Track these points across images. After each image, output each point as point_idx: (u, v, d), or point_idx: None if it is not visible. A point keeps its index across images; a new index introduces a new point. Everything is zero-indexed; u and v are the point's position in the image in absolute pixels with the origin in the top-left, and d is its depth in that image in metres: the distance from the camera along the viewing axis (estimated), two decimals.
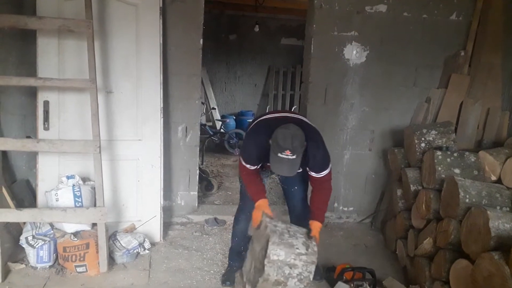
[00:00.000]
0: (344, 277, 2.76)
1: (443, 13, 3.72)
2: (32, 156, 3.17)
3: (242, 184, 2.75)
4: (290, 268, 2.24)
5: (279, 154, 2.16)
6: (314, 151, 2.37)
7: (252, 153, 2.47)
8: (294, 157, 2.16)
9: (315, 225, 2.42)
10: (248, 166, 2.50)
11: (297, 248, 2.26)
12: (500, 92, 3.63)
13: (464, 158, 2.88)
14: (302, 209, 2.83)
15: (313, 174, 2.48)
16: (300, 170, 2.49)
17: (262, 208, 2.45)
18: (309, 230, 2.40)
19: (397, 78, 3.80)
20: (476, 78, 3.63)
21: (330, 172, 2.50)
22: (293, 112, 2.76)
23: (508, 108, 3.61)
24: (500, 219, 2.20)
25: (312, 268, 2.28)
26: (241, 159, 2.53)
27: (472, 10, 3.71)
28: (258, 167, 2.53)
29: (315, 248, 2.30)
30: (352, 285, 2.69)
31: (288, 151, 2.14)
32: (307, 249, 2.27)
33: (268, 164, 2.38)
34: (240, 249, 2.89)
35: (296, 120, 2.45)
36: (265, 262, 2.21)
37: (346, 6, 3.62)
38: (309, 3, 3.83)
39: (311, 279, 2.30)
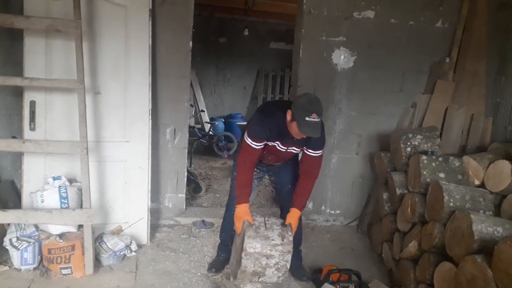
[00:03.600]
0: (331, 279, 2.78)
1: (429, 20, 3.79)
2: (18, 157, 3.12)
3: (233, 184, 2.84)
4: (267, 258, 2.41)
5: (307, 118, 2.29)
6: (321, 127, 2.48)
7: (261, 127, 2.55)
8: (319, 120, 2.33)
9: (295, 213, 2.67)
10: (254, 144, 2.54)
11: (273, 240, 2.44)
12: (484, 98, 3.70)
13: (449, 163, 2.93)
14: None
15: (310, 151, 2.64)
16: (299, 152, 2.71)
17: (243, 215, 2.58)
18: (284, 219, 2.63)
19: (384, 83, 3.85)
20: (460, 84, 3.70)
21: (322, 155, 2.70)
22: None
23: (491, 114, 3.69)
24: (483, 223, 2.24)
25: (289, 257, 2.46)
26: (248, 137, 2.56)
27: (457, 18, 3.78)
28: (263, 146, 2.58)
29: (290, 238, 2.50)
30: (338, 286, 2.73)
31: (315, 114, 2.30)
32: (282, 240, 2.46)
33: (270, 143, 2.60)
34: (228, 242, 3.00)
35: None
36: (242, 255, 2.34)
37: (335, 11, 3.66)
38: (298, 8, 3.86)
39: (288, 268, 2.48)
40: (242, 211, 2.59)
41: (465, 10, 3.74)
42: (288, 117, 2.42)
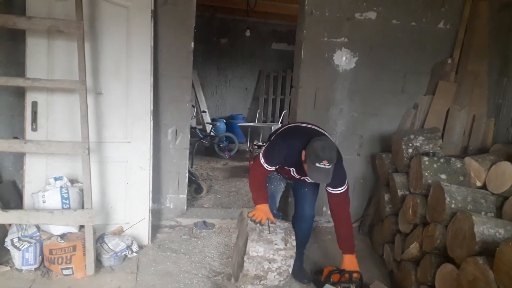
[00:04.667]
0: (331, 280, 2.77)
1: (431, 21, 3.79)
2: (19, 157, 3.13)
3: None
4: (269, 262, 2.41)
5: (317, 164, 2.33)
6: (336, 170, 2.47)
7: (278, 155, 2.60)
8: (330, 166, 2.34)
9: (348, 259, 2.68)
10: (266, 165, 2.63)
11: (276, 244, 2.44)
12: (486, 99, 3.69)
13: (450, 164, 2.93)
14: (309, 211, 2.96)
15: (330, 189, 2.64)
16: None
17: (266, 213, 2.57)
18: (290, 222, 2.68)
19: (386, 84, 3.85)
20: (462, 86, 3.69)
21: (348, 188, 2.68)
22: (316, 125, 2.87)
23: (493, 115, 3.68)
24: (485, 224, 2.23)
25: (291, 262, 2.46)
26: (262, 157, 2.64)
27: (459, 19, 3.78)
28: (275, 168, 2.68)
29: (294, 243, 2.49)
30: (339, 287, 2.71)
31: (325, 161, 2.32)
32: (285, 244, 2.46)
33: (286, 168, 2.67)
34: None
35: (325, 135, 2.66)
36: (245, 259, 2.35)
37: (336, 12, 3.66)
38: (300, 9, 3.86)
39: (290, 272, 2.48)
40: (264, 208, 2.60)
41: (467, 11, 3.74)
42: (302, 156, 2.45)
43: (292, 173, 2.74)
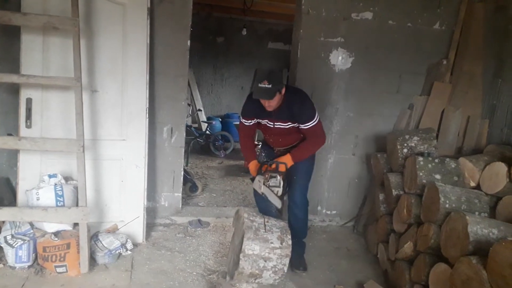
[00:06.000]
0: (261, 170, 2.93)
1: (427, 22, 3.81)
2: (13, 154, 3.11)
3: None
4: (265, 261, 2.44)
5: (259, 84, 2.68)
6: (298, 103, 2.85)
7: (247, 106, 3.04)
8: (270, 86, 2.65)
9: (287, 157, 2.92)
10: (244, 121, 3.11)
11: (272, 243, 2.47)
12: (481, 100, 3.72)
13: (445, 164, 2.94)
14: (299, 197, 3.07)
15: (301, 126, 2.90)
16: (285, 126, 2.96)
17: (256, 166, 3.00)
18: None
19: (381, 84, 3.86)
20: (457, 87, 3.72)
21: (318, 124, 2.93)
22: None
23: (487, 116, 3.70)
24: (479, 224, 2.24)
25: (286, 260, 2.50)
26: (240, 115, 3.16)
27: (454, 20, 3.80)
28: (252, 123, 3.08)
29: (289, 242, 2.53)
30: (267, 175, 2.84)
31: (265, 81, 2.65)
32: (281, 243, 2.49)
33: (262, 122, 3.02)
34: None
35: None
36: (241, 257, 2.35)
37: (333, 12, 3.67)
38: (296, 9, 3.87)
39: (285, 271, 2.51)
40: (253, 165, 3.05)
41: (462, 13, 3.76)
42: None
43: (268, 125, 2.97)
